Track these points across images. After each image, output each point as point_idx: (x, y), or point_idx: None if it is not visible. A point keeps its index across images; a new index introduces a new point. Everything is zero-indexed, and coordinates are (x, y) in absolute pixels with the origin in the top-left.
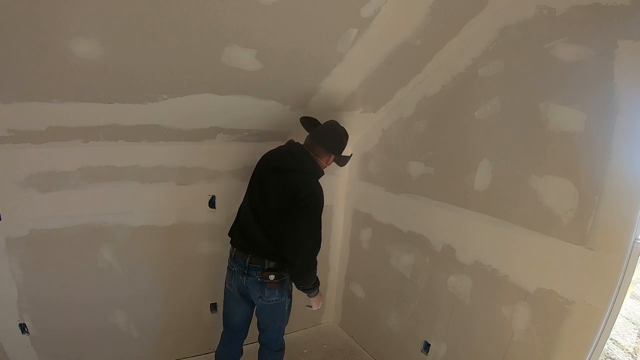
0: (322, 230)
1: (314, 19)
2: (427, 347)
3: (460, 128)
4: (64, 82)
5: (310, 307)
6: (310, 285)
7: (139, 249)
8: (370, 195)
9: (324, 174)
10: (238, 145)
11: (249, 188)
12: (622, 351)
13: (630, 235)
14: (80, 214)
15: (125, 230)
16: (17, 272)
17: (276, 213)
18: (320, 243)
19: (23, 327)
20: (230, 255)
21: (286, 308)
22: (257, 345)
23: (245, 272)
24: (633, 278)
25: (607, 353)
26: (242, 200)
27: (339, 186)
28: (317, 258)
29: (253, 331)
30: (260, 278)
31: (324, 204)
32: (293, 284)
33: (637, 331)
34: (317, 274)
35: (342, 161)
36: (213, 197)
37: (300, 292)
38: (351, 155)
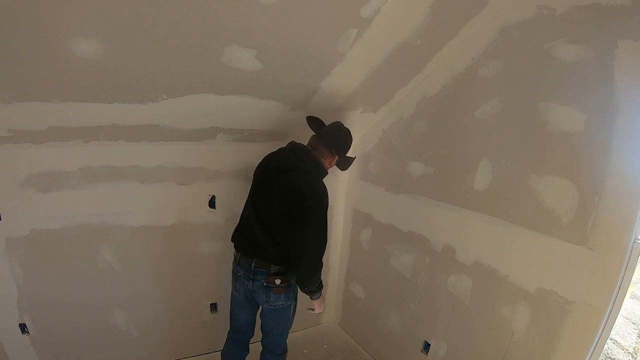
0: (327, 231)
1: (314, 19)
2: (427, 347)
3: (460, 128)
4: (64, 82)
5: (313, 310)
6: (315, 287)
7: (139, 249)
8: (370, 195)
9: (327, 173)
10: (238, 145)
11: (250, 192)
12: (622, 351)
13: (630, 235)
14: (80, 214)
15: (125, 230)
16: (17, 272)
17: (279, 215)
18: (325, 244)
19: (23, 327)
20: (235, 259)
21: (291, 312)
22: (260, 345)
23: (251, 276)
24: (633, 278)
25: (607, 353)
26: (244, 203)
27: (339, 186)
28: (322, 261)
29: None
30: (266, 282)
31: (328, 205)
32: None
33: (637, 331)
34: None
35: (345, 164)
36: (213, 197)
37: (304, 296)
38: (354, 158)
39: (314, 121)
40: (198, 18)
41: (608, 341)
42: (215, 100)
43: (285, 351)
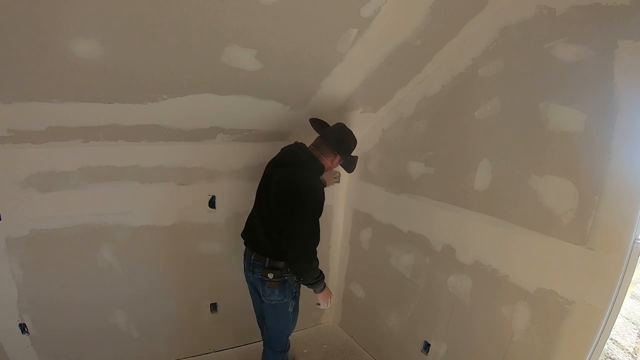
0: (319, 224)
1: (314, 19)
2: (427, 347)
3: (460, 128)
4: (64, 82)
5: (319, 305)
6: (313, 279)
7: (139, 249)
8: (370, 195)
9: (324, 168)
10: (238, 145)
11: (257, 191)
12: (622, 351)
13: (630, 235)
14: (80, 214)
15: (125, 230)
16: (17, 272)
17: (277, 208)
18: (317, 236)
19: (23, 327)
20: (244, 253)
21: (289, 310)
22: (261, 344)
23: (251, 269)
24: (633, 278)
25: (607, 353)
26: (244, 203)
27: (339, 186)
28: (317, 255)
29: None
30: (261, 275)
31: (324, 201)
32: (300, 286)
33: (637, 331)
34: (318, 268)
35: (350, 165)
36: (213, 197)
37: (310, 292)
38: (357, 157)
39: (317, 122)
40: (198, 18)
41: (608, 341)
42: (215, 100)
43: (284, 349)
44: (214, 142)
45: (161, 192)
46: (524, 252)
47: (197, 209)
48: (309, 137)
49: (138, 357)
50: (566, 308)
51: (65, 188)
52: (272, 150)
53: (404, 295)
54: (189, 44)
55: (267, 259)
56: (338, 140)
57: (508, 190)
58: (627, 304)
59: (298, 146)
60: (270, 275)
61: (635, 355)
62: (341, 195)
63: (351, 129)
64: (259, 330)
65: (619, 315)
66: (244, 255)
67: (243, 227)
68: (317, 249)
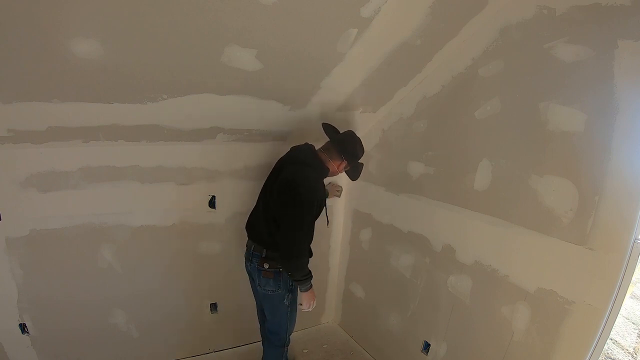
0: (314, 224)
1: (314, 19)
2: (427, 347)
3: (460, 128)
4: (64, 82)
5: (301, 305)
6: (300, 276)
7: (139, 249)
8: (370, 195)
9: (328, 171)
10: (238, 145)
11: (264, 184)
12: (622, 351)
13: (630, 235)
14: (80, 214)
15: (125, 230)
16: (17, 272)
17: (277, 200)
18: (309, 233)
19: (23, 327)
20: (246, 244)
21: (285, 303)
22: (261, 344)
23: (250, 258)
24: (633, 278)
25: (607, 353)
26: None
27: None
28: (309, 255)
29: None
30: (258, 265)
31: (323, 204)
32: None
33: (637, 331)
34: (308, 267)
35: (355, 173)
36: (213, 197)
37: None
38: (362, 164)
39: (329, 128)
40: (198, 18)
41: (608, 341)
42: (215, 100)
43: (283, 344)
44: (214, 142)
45: (161, 192)
46: (524, 252)
47: (197, 209)
48: (309, 137)
49: (138, 357)
50: (566, 308)
51: (65, 188)
52: (272, 150)
53: (404, 295)
54: (189, 44)
55: (265, 250)
56: (347, 146)
57: (508, 190)
58: (627, 304)
59: (307, 147)
60: (266, 266)
61: (635, 355)
62: (341, 195)
63: (349, 128)
64: (259, 326)
65: (619, 315)
66: (246, 246)
67: (243, 227)
68: (316, 249)
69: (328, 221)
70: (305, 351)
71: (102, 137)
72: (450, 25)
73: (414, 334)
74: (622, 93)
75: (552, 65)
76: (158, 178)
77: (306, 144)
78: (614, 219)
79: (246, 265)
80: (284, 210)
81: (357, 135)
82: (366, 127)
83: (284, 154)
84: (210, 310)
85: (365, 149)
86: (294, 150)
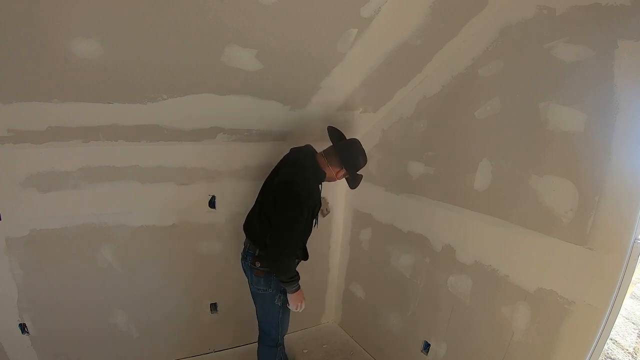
0: (304, 222)
1: (314, 19)
2: (427, 347)
3: (460, 128)
4: (64, 82)
5: (288, 305)
6: (287, 278)
7: (139, 249)
8: (370, 195)
9: (325, 175)
10: (238, 145)
11: (263, 184)
12: (622, 351)
13: (630, 235)
14: (80, 214)
15: (125, 230)
16: (17, 272)
17: (273, 208)
18: (300, 237)
19: (23, 327)
20: (244, 242)
21: (277, 304)
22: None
23: (245, 256)
24: (633, 278)
25: (607, 353)
26: (244, 203)
27: (339, 186)
28: (303, 253)
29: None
30: (250, 263)
31: (317, 209)
32: None
33: (637, 331)
34: (294, 269)
35: (355, 182)
36: (213, 197)
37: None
38: (362, 176)
39: (335, 133)
40: (198, 18)
41: (608, 341)
42: (215, 100)
43: (275, 345)
44: (214, 142)
45: (161, 192)
46: (524, 252)
47: (197, 209)
48: (309, 138)
49: (138, 357)
50: (566, 308)
51: (65, 188)
52: (272, 150)
53: (404, 295)
54: (189, 44)
55: (258, 248)
56: (349, 155)
57: (508, 190)
58: (627, 304)
59: (307, 149)
60: (258, 264)
61: (635, 355)
62: (341, 196)
63: (349, 128)
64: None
65: (619, 315)
66: (243, 244)
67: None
68: (316, 249)
69: (317, 222)
70: (305, 351)
71: (102, 137)
72: (450, 25)
73: (414, 334)
74: (622, 93)
75: (552, 65)
76: (158, 178)
77: (306, 145)
78: (614, 219)
79: (242, 263)
80: (277, 210)
81: (360, 142)
82: (366, 127)
83: (285, 154)
84: (210, 310)
85: (365, 149)
86: (294, 151)
